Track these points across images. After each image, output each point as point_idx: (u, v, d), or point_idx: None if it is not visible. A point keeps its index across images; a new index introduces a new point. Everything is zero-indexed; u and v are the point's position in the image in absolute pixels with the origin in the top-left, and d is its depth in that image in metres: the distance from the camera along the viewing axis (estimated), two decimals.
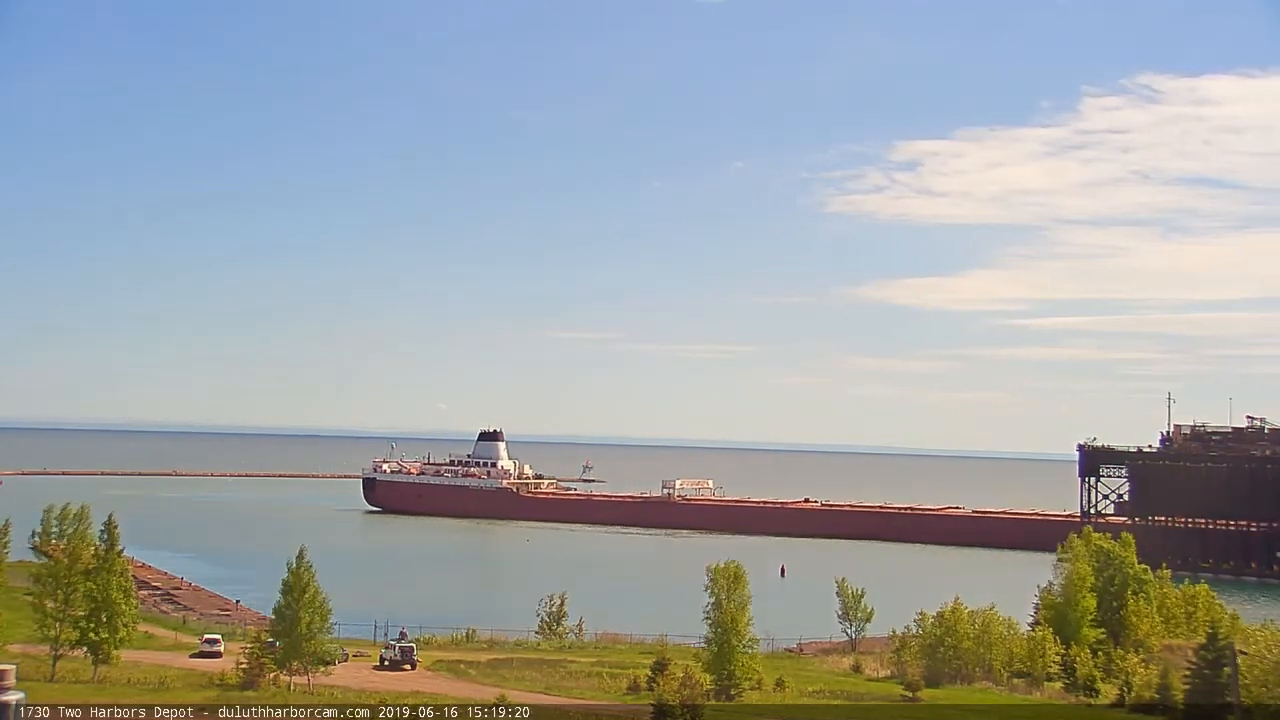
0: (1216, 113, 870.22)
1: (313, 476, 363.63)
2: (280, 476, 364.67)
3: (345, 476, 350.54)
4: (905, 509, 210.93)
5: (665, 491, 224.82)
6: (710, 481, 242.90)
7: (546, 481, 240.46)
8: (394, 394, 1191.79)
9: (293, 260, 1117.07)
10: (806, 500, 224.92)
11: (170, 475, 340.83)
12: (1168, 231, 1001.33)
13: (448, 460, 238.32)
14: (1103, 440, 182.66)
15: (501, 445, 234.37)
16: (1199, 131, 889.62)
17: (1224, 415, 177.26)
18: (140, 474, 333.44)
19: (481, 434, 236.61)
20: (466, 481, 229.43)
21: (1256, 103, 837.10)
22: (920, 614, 75.01)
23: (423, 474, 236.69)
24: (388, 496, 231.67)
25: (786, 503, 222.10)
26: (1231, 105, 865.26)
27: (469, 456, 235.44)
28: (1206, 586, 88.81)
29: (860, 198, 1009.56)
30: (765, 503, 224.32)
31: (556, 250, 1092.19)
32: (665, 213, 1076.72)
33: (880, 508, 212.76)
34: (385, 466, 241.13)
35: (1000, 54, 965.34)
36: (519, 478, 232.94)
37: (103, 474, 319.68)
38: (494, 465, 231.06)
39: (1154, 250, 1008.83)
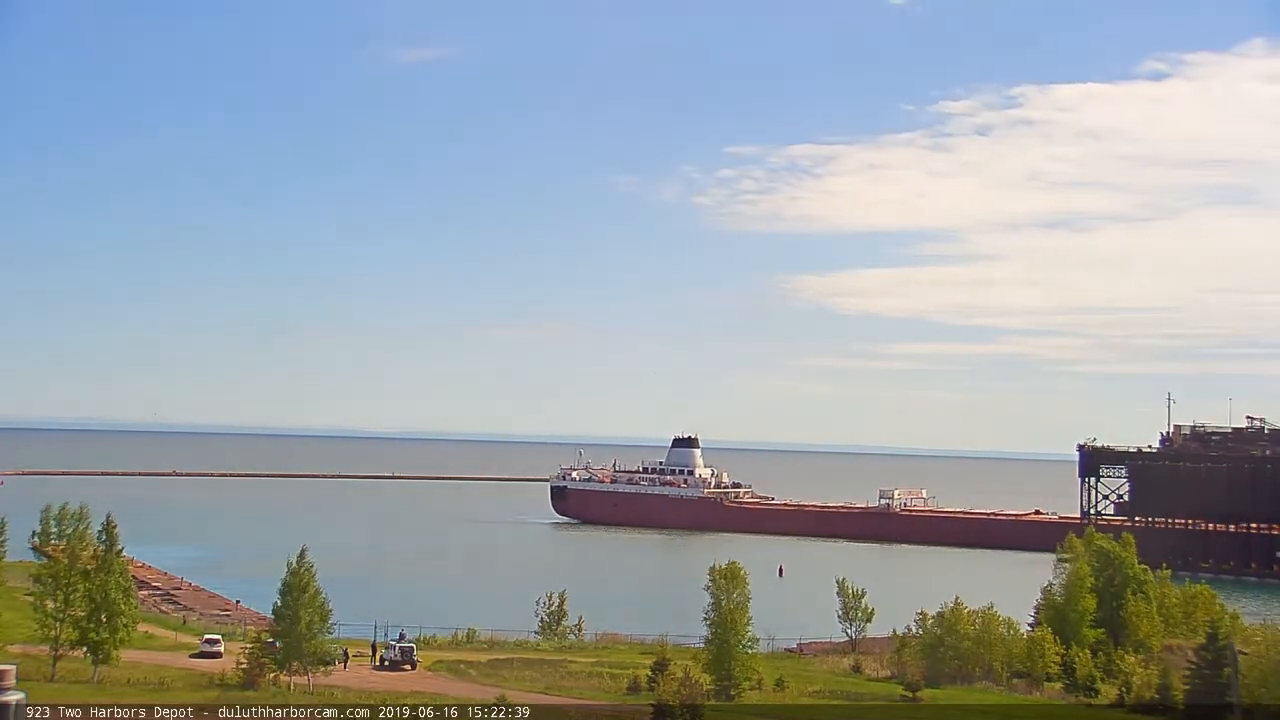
0: (1074, 119, 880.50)
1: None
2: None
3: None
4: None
5: (883, 502, 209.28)
6: (924, 490, 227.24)
7: (743, 490, 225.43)
8: (389, 395, 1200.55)
9: (288, 259, 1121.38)
10: (1038, 512, 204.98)
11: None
12: (1072, 233, 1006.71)
13: (639, 467, 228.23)
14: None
15: (697, 452, 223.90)
16: (1061, 135, 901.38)
17: (1224, 415, 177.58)
18: (145, 474, 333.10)
19: (675, 440, 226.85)
20: (665, 490, 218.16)
21: (1106, 108, 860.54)
22: (920, 614, 75.03)
23: (615, 482, 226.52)
24: (580, 506, 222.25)
25: (1020, 515, 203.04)
26: (1083, 112, 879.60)
27: (661, 464, 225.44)
28: (1207, 586, 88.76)
29: (756, 198, 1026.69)
30: (995, 514, 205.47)
31: (499, 248, 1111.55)
32: (566, 218, 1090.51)
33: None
34: (574, 474, 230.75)
35: (846, 58, 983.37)
36: (717, 486, 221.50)
37: (104, 474, 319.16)
38: (691, 473, 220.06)
39: (1072, 247, 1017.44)
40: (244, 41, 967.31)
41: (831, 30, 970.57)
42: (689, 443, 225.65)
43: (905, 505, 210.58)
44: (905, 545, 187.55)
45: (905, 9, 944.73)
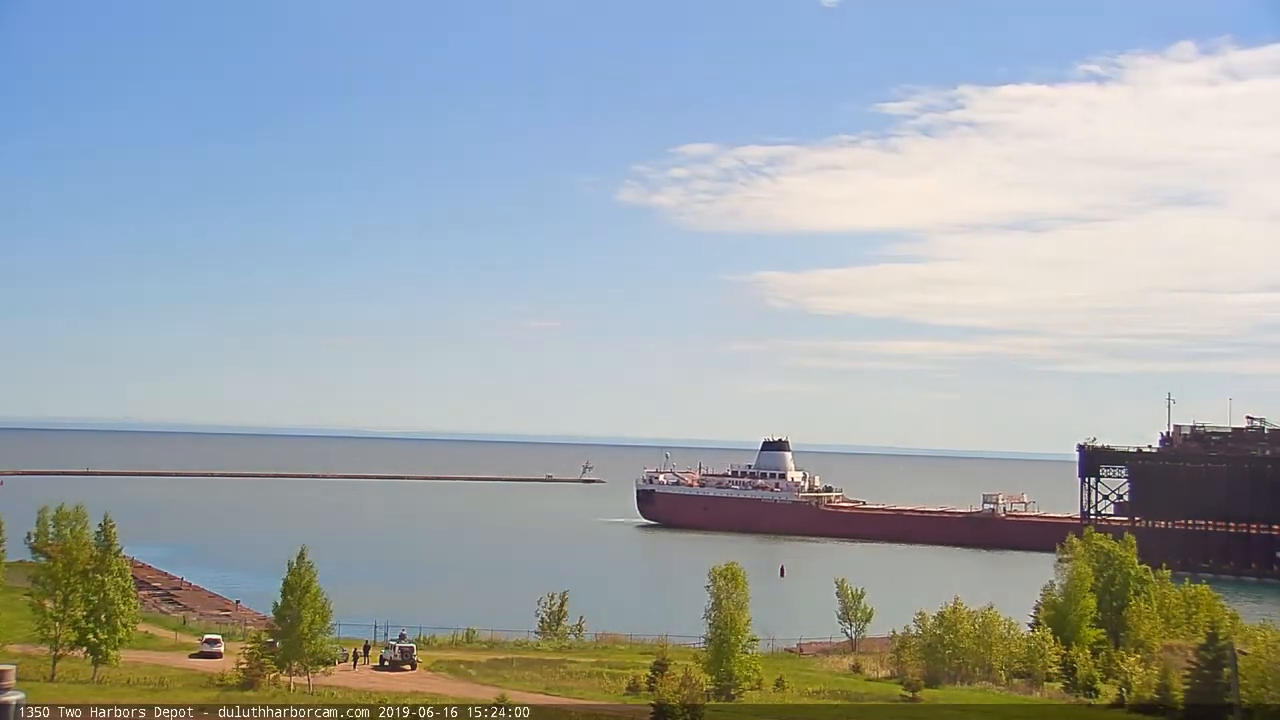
0: (1016, 120, 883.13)
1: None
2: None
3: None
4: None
5: (988, 507, 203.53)
6: (1026, 495, 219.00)
7: (835, 494, 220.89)
8: (390, 395, 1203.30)
9: (287, 260, 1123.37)
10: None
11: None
12: (1031, 234, 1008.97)
13: (729, 471, 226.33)
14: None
15: (788, 455, 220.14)
16: (1006, 137, 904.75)
17: (1224, 415, 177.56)
18: (145, 474, 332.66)
19: (765, 443, 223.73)
20: (758, 494, 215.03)
21: (1047, 110, 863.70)
22: (920, 614, 75.02)
23: (704, 485, 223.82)
24: (668, 509, 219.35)
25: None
26: (1024, 113, 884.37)
27: (749, 467, 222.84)
28: (1207, 587, 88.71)
29: (712, 198, 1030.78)
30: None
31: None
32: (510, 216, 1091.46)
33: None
34: (661, 477, 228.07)
35: (783, 60, 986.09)
36: (810, 490, 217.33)
37: (105, 474, 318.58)
38: (783, 476, 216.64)
39: (1032, 247, 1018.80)
40: (232, 41, 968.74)
41: (766, 33, 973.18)
42: (779, 446, 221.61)
43: (1009, 510, 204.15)
44: (1013, 552, 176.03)
45: (837, 11, 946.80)
